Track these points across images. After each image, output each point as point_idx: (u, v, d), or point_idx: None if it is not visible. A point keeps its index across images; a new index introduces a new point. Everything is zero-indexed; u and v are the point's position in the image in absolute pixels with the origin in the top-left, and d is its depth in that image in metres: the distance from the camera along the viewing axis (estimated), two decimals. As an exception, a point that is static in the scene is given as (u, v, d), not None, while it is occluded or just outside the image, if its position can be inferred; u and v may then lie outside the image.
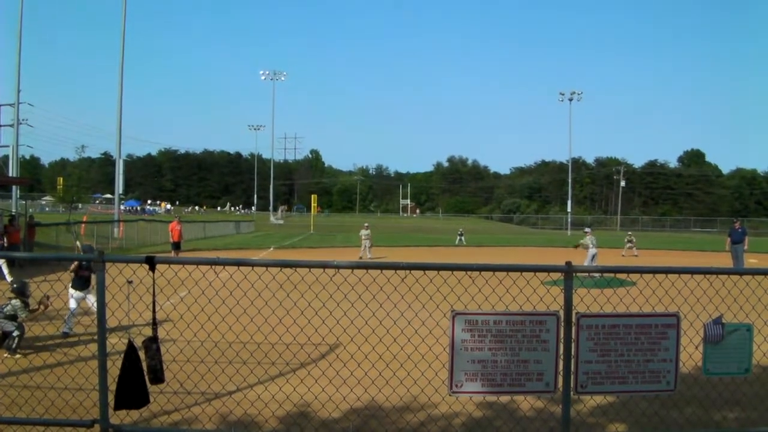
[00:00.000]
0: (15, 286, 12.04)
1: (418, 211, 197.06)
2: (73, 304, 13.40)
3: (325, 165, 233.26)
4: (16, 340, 11.25)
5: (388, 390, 7.49)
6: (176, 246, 34.64)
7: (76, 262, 13.52)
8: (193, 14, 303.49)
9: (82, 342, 12.18)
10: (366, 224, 41.79)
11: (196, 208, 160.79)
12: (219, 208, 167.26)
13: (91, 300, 13.04)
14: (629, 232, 53.73)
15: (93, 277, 12.59)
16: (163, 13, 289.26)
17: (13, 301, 11.61)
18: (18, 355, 11.08)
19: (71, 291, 13.58)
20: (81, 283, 13.59)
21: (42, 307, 11.91)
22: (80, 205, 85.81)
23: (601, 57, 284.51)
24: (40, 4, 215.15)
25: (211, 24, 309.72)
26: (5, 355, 11.02)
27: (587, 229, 32.53)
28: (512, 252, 48.09)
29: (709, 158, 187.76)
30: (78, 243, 28.86)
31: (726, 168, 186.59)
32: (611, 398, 7.82)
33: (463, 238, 62.25)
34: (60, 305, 10.73)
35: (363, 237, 39.76)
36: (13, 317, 11.46)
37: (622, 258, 43.36)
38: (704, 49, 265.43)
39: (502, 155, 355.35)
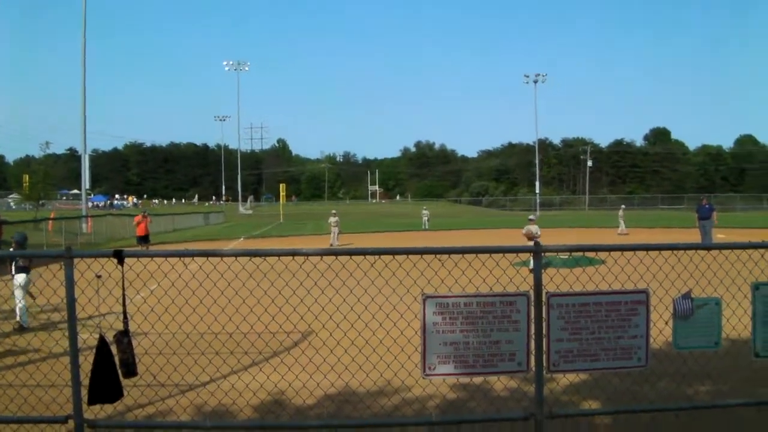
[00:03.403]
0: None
1: (398, 197, 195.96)
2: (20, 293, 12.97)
3: (293, 153, 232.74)
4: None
5: (361, 375, 7.49)
6: (144, 239, 34.20)
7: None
8: (154, 4, 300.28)
9: (53, 338, 12.07)
10: (333, 211, 41.98)
11: (165, 201, 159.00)
12: (184, 201, 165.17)
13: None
14: (623, 206, 51.45)
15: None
16: (124, 4, 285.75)
17: None
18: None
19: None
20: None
21: None
22: (46, 202, 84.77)
23: (565, 38, 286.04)
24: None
25: (173, 14, 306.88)
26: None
27: (531, 217, 30.48)
28: (481, 234, 48.19)
29: (674, 135, 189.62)
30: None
31: (692, 145, 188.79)
32: (584, 376, 7.90)
33: (427, 221, 60.60)
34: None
35: (332, 224, 39.94)
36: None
37: (618, 237, 42.18)
38: (667, 27, 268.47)
39: (469, 139, 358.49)
